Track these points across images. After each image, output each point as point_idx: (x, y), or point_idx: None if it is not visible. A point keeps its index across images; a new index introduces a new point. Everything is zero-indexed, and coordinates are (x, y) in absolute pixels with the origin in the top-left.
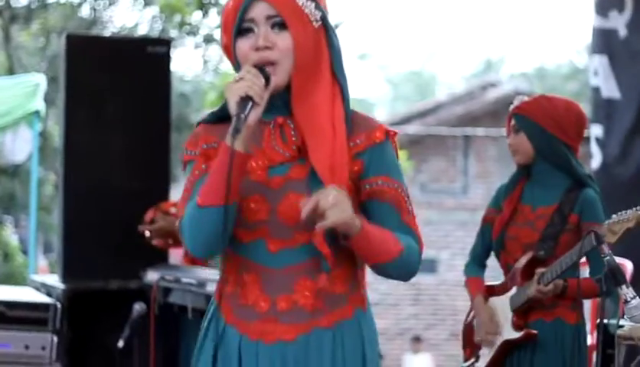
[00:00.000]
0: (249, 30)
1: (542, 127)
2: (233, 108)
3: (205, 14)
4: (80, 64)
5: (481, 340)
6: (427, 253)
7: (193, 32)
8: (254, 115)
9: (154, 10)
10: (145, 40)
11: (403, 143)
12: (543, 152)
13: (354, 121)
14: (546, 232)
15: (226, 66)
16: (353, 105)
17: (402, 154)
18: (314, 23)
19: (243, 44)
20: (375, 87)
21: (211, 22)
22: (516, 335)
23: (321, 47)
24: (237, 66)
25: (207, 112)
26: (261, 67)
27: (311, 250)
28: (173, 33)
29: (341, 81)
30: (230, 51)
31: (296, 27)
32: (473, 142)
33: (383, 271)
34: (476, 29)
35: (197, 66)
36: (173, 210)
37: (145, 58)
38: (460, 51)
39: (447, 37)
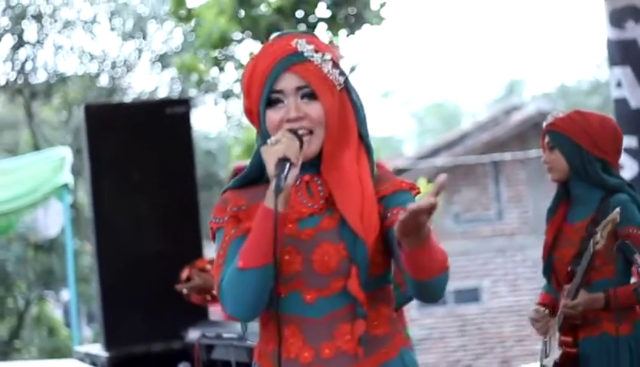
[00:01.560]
0: (278, 101)
1: (577, 143)
2: (271, 170)
3: (221, 70)
4: (101, 133)
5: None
6: (469, 283)
7: (211, 89)
8: (292, 175)
9: (171, 72)
10: (164, 102)
11: (433, 176)
12: (577, 169)
13: (380, 177)
14: (582, 246)
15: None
16: (380, 144)
17: (431, 188)
18: (337, 87)
19: (274, 116)
20: (400, 123)
21: (229, 77)
22: (558, 354)
23: (345, 108)
24: (264, 131)
25: (234, 164)
26: (294, 131)
27: (347, 296)
28: (192, 92)
29: (365, 139)
30: (253, 116)
31: (325, 96)
32: (502, 167)
33: (430, 286)
34: (494, 55)
35: (221, 123)
36: (208, 267)
37: (165, 120)
38: (481, 78)
39: (466, 66)
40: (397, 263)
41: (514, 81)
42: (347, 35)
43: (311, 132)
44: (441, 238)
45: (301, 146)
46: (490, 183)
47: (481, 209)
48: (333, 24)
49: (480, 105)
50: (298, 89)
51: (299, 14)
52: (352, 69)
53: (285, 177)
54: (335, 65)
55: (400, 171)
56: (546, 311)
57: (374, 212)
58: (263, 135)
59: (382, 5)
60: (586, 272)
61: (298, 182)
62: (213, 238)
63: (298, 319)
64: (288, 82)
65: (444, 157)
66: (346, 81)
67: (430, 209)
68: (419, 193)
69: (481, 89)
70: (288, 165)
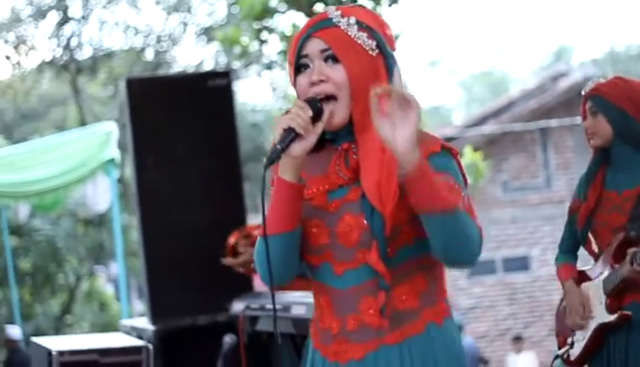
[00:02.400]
0: (307, 66)
1: (620, 107)
2: (275, 140)
3: (263, 42)
4: (144, 107)
5: (573, 324)
6: (518, 251)
7: (255, 61)
8: (299, 146)
9: (217, 44)
10: (205, 75)
11: (480, 144)
12: (623, 134)
13: (418, 138)
14: (634, 213)
15: (294, 91)
16: (429, 114)
17: (477, 155)
18: (369, 52)
19: (302, 81)
20: (448, 92)
21: (272, 49)
22: (611, 318)
23: (379, 74)
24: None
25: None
26: (312, 100)
27: (373, 269)
28: (237, 65)
29: None
30: (295, 86)
31: (349, 59)
32: (550, 134)
33: (438, 227)
34: (542, 21)
35: (267, 95)
36: (255, 233)
37: (207, 92)
38: (529, 45)
39: (514, 33)
40: None
41: (562, 47)
42: (390, 4)
43: (335, 98)
44: (489, 206)
45: (319, 115)
46: (538, 151)
47: (529, 177)
48: None
49: (528, 72)
50: (322, 51)
51: None
52: (396, 38)
53: (283, 148)
54: (364, 29)
55: (447, 140)
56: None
57: (393, 181)
58: None
59: None
60: None
61: (339, 150)
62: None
63: (330, 289)
64: (312, 46)
65: (491, 125)
66: (381, 46)
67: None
68: (456, 153)
69: (529, 56)
70: (291, 136)
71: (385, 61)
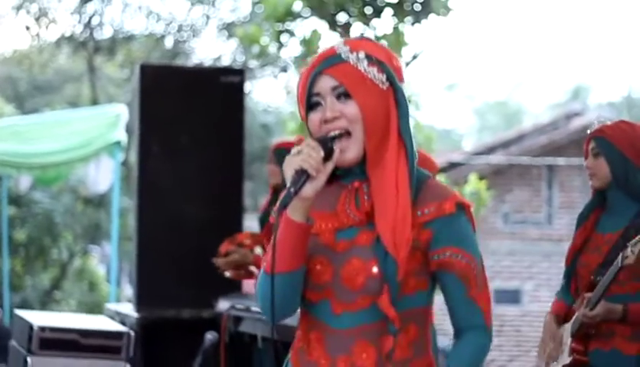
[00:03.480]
0: (318, 104)
1: (622, 152)
2: (288, 181)
3: (282, 44)
4: (154, 95)
5: (539, 358)
6: (511, 283)
7: (272, 63)
8: (310, 187)
9: (236, 41)
10: (219, 70)
11: (486, 173)
12: (620, 178)
13: (427, 190)
14: (608, 257)
15: None
16: (440, 137)
17: (482, 184)
18: (380, 86)
19: (314, 118)
20: (462, 117)
21: (290, 53)
22: (568, 361)
23: (389, 108)
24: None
25: (277, 140)
26: (324, 140)
27: (372, 314)
28: (254, 64)
29: (406, 141)
30: (306, 122)
31: (360, 94)
32: (557, 172)
33: None
34: (562, 58)
35: (280, 97)
36: (247, 242)
37: (219, 88)
38: (546, 81)
39: (534, 66)
40: (447, 304)
41: (580, 86)
42: (413, 23)
43: (349, 133)
44: (488, 236)
45: (330, 155)
46: (543, 187)
47: (531, 212)
48: (399, 10)
49: (543, 106)
50: (333, 89)
51: None
52: (414, 57)
53: (296, 191)
54: (373, 63)
55: (454, 165)
56: (560, 332)
57: (407, 227)
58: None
59: None
60: (609, 284)
61: (349, 188)
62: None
63: (324, 326)
64: (323, 83)
65: (500, 155)
66: (390, 78)
67: None
68: (469, 208)
69: (546, 91)
70: (304, 177)
71: (395, 94)
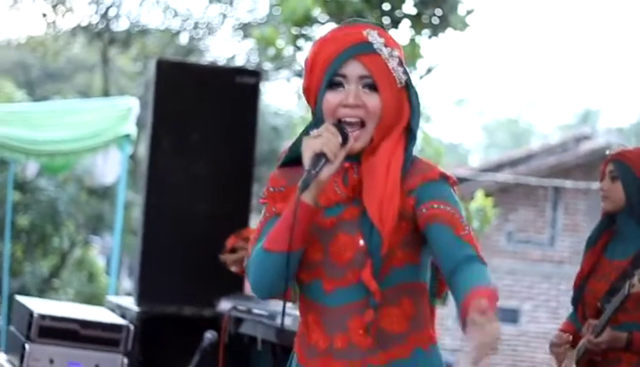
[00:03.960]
0: (339, 85)
1: (639, 179)
2: (306, 163)
3: (298, 48)
4: (169, 90)
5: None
6: (510, 303)
7: (287, 66)
8: (326, 171)
9: (251, 42)
10: (235, 70)
11: (492, 190)
12: (633, 204)
13: (416, 166)
14: (615, 285)
15: None
16: (447, 151)
17: (488, 201)
18: (398, 85)
19: (332, 98)
20: (470, 133)
21: (305, 57)
22: None
23: (403, 107)
24: (319, 115)
25: (288, 142)
26: (340, 126)
27: (364, 289)
28: (268, 66)
29: (413, 130)
30: (311, 94)
31: (385, 91)
32: (563, 194)
33: None
34: (574, 81)
35: (291, 101)
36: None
37: (234, 88)
38: (557, 102)
39: (546, 87)
40: (437, 259)
41: (590, 110)
42: (430, 36)
43: (362, 124)
44: (491, 253)
45: (344, 142)
46: (548, 208)
47: (534, 232)
48: (417, 22)
49: (552, 127)
50: (361, 77)
51: (386, 6)
52: (429, 70)
53: (317, 173)
54: (400, 62)
55: (460, 180)
56: (570, 337)
57: (394, 203)
58: (317, 116)
59: (469, 12)
60: (615, 312)
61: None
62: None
63: (319, 307)
64: (353, 69)
65: (507, 173)
66: (408, 80)
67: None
68: (454, 182)
69: (556, 112)
70: (323, 161)
71: (408, 96)
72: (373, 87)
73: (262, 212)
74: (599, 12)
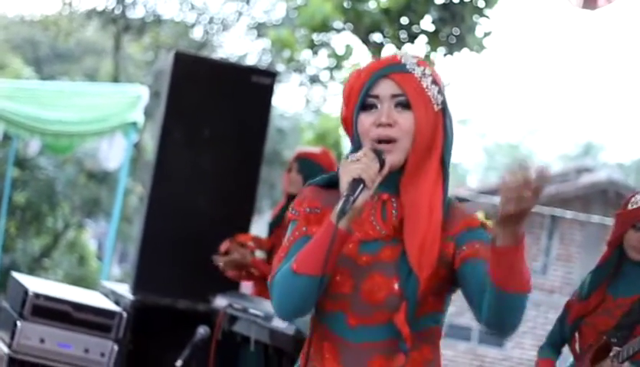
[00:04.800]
0: (373, 106)
1: None
2: (344, 188)
3: (315, 53)
4: (184, 83)
5: None
6: None
7: (300, 69)
8: (363, 197)
9: (265, 42)
10: (251, 70)
11: (490, 214)
12: None
13: (453, 212)
14: (622, 321)
15: (328, 109)
16: None
17: (489, 223)
18: (435, 106)
19: (366, 119)
20: (471, 154)
21: (319, 63)
22: None
23: (437, 130)
24: (356, 140)
25: (298, 149)
26: (378, 152)
27: (389, 330)
28: (280, 68)
29: (446, 166)
30: (349, 123)
31: (419, 109)
32: (560, 224)
33: (512, 303)
34: (580, 112)
35: (299, 105)
36: (250, 244)
37: (249, 87)
38: (560, 132)
39: (549, 115)
40: (472, 293)
41: (592, 143)
42: (445, 54)
43: (395, 142)
44: None
45: (381, 167)
46: (543, 236)
47: (528, 259)
48: (434, 39)
49: (553, 156)
50: (394, 96)
51: (404, 20)
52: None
53: (355, 199)
54: (435, 83)
55: (460, 200)
56: None
57: (435, 249)
58: (355, 141)
59: (486, 34)
60: None
61: (375, 199)
62: (288, 224)
63: (338, 339)
64: (385, 88)
65: None
66: (444, 103)
67: (537, 189)
68: (489, 228)
69: (559, 141)
70: (361, 187)
71: (444, 119)
72: (406, 106)
73: (292, 228)
74: (610, 48)
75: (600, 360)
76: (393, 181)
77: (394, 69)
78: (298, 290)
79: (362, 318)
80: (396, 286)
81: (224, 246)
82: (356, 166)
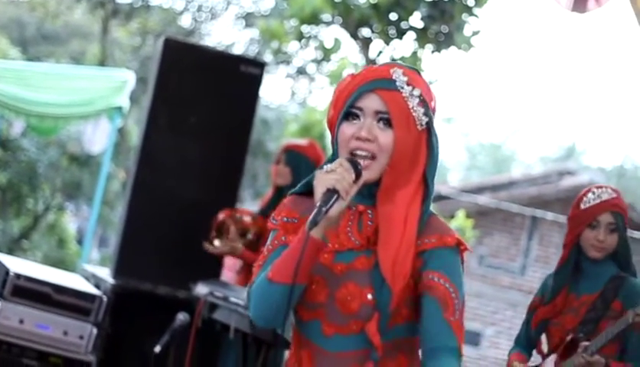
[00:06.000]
0: (356, 117)
1: (626, 228)
2: (317, 198)
3: (303, 46)
4: (172, 69)
5: None
6: (473, 325)
7: (287, 61)
8: (337, 207)
9: (252, 32)
10: (240, 59)
11: (471, 213)
12: (621, 255)
13: (431, 224)
14: (587, 317)
15: (313, 101)
16: None
17: (468, 223)
18: (418, 126)
19: (347, 129)
20: (453, 152)
21: (307, 55)
22: None
23: (420, 149)
24: (335, 146)
25: (286, 141)
26: (354, 162)
27: (363, 340)
28: (267, 59)
29: (428, 184)
30: (332, 126)
31: (401, 128)
32: (540, 225)
33: None
34: (563, 115)
35: (284, 97)
36: (246, 219)
37: (237, 76)
38: (542, 134)
39: (532, 117)
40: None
41: (574, 146)
42: (433, 52)
43: (373, 158)
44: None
45: (357, 178)
46: (523, 237)
47: (506, 259)
48: (422, 36)
49: (534, 158)
50: (377, 112)
51: (393, 16)
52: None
53: (327, 210)
54: (422, 103)
55: (441, 198)
56: None
57: (407, 262)
58: (334, 147)
59: (475, 33)
60: (613, 337)
61: (353, 210)
62: (269, 233)
63: (316, 347)
64: (370, 102)
65: (486, 197)
66: (429, 123)
67: None
68: (465, 249)
69: (541, 143)
70: (334, 197)
71: (428, 137)
72: (388, 123)
73: (271, 237)
74: (597, 52)
75: (569, 356)
76: (370, 193)
77: (382, 85)
78: (273, 298)
79: (337, 327)
80: (369, 296)
81: (222, 215)
82: (330, 176)
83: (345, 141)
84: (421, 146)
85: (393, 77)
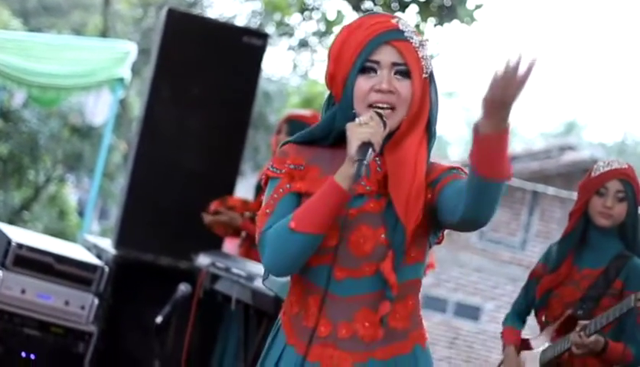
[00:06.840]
0: (371, 70)
1: (637, 202)
2: (352, 151)
3: (305, 18)
4: (175, 40)
5: None
6: (472, 299)
7: (289, 33)
8: (369, 160)
9: (255, 4)
10: (243, 30)
11: None
12: (628, 225)
13: (433, 167)
14: (588, 293)
15: (315, 74)
16: None
17: None
18: (424, 74)
19: (364, 83)
20: (454, 126)
21: (309, 27)
22: None
23: (425, 97)
24: (346, 98)
25: (288, 111)
26: (380, 114)
27: (376, 283)
28: (269, 31)
29: (432, 130)
30: (336, 82)
31: (417, 78)
32: (541, 200)
33: (490, 190)
34: (564, 90)
35: (286, 69)
36: (238, 206)
37: (240, 47)
38: (543, 110)
39: (534, 93)
40: (450, 199)
41: (575, 122)
42: (435, 25)
43: (393, 109)
44: (460, 248)
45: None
46: (524, 212)
47: (507, 234)
48: (425, 9)
49: (535, 134)
50: (394, 64)
51: None
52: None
53: (368, 163)
54: (427, 52)
55: None
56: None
57: (420, 200)
58: (346, 102)
59: (477, 7)
60: (615, 320)
61: None
62: (265, 184)
63: (324, 292)
64: (387, 55)
65: None
66: (431, 71)
67: (523, 78)
68: (464, 171)
69: (541, 119)
70: (370, 151)
71: (430, 86)
72: (404, 74)
73: (273, 185)
74: (596, 28)
75: (565, 333)
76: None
77: (395, 36)
78: (296, 248)
79: (349, 271)
80: (383, 236)
81: (214, 206)
82: (364, 129)
83: (363, 95)
84: (426, 94)
85: (401, 28)
